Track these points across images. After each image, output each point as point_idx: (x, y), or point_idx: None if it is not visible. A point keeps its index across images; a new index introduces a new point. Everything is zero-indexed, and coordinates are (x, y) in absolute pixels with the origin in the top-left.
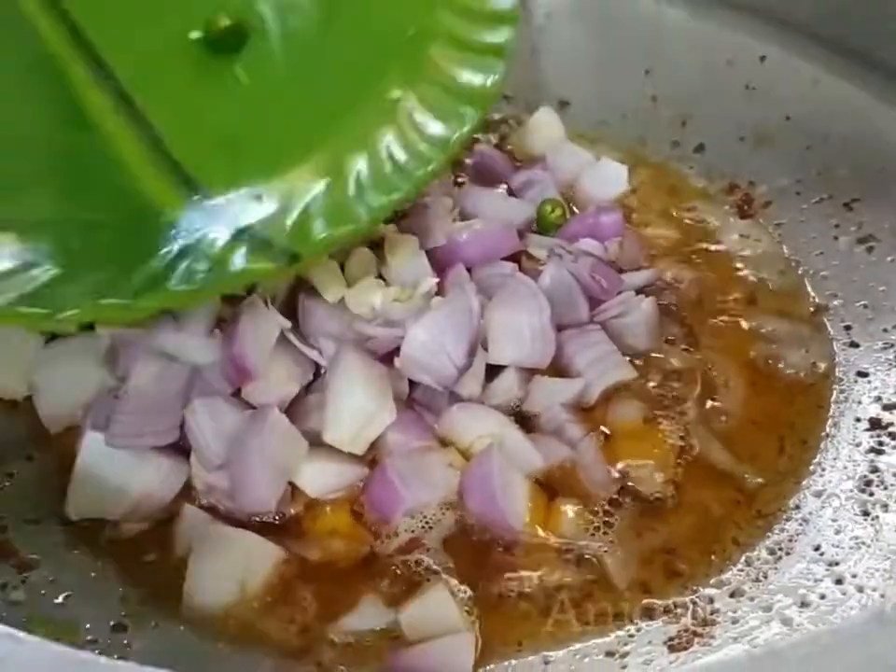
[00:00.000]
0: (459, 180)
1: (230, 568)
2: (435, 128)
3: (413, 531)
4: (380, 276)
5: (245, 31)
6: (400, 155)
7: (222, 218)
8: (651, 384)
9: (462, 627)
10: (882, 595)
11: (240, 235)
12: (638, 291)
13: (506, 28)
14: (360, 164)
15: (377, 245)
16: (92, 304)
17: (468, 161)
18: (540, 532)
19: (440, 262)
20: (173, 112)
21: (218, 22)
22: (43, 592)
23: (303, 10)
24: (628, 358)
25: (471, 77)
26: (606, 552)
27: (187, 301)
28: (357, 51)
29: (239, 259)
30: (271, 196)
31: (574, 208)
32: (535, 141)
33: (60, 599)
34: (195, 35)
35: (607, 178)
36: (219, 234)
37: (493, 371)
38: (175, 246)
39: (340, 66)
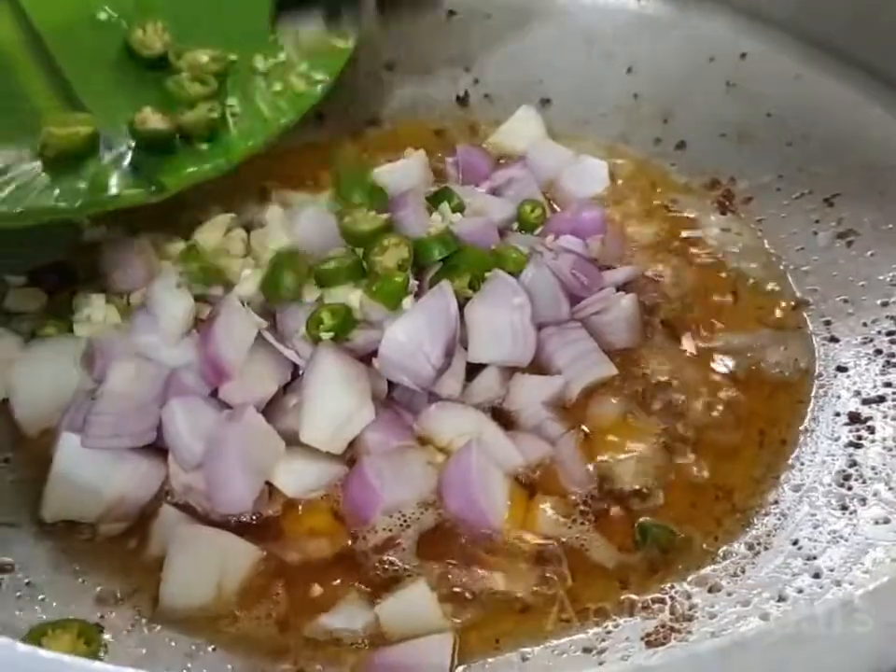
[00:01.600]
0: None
1: (206, 569)
2: (297, 83)
3: (391, 530)
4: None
5: None
6: (263, 105)
7: (102, 144)
8: (631, 381)
9: (440, 622)
10: (858, 588)
11: (117, 161)
12: (619, 288)
13: None
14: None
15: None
16: None
17: (449, 159)
18: (519, 529)
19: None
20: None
21: None
22: (18, 594)
23: None
24: (609, 355)
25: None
26: (583, 548)
27: (66, 215)
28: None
29: (114, 184)
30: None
31: (555, 206)
32: (516, 139)
33: (36, 601)
34: None
35: (587, 175)
36: (98, 158)
37: (473, 369)
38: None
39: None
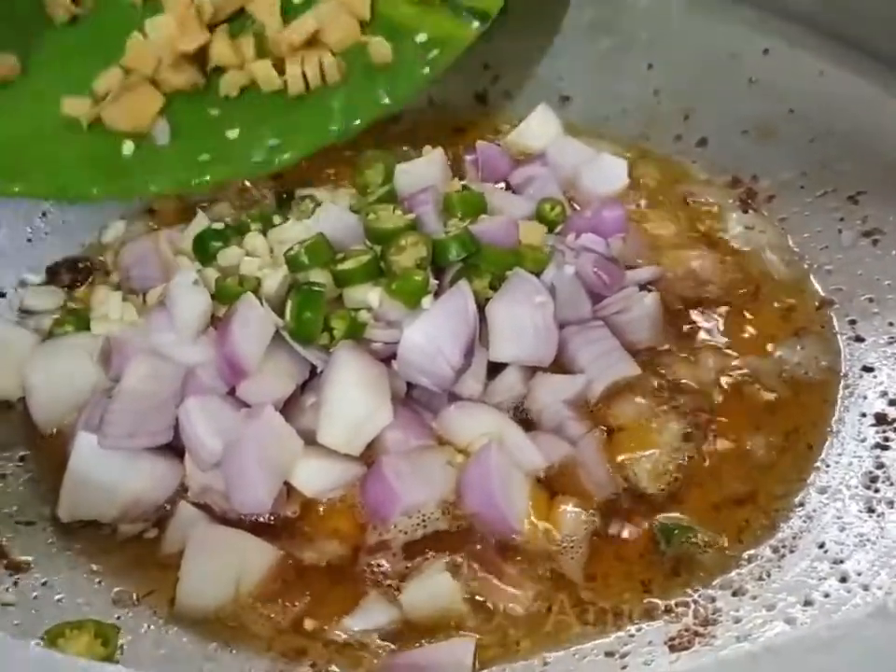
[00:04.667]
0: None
1: (224, 569)
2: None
3: (409, 530)
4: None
5: None
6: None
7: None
8: (654, 380)
9: (461, 603)
10: (888, 594)
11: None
12: (642, 287)
13: None
14: None
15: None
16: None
17: (468, 157)
18: (540, 531)
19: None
20: None
21: None
22: (35, 595)
23: None
24: (631, 355)
25: None
26: (605, 550)
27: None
28: None
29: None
30: None
31: (574, 204)
32: (535, 137)
33: (52, 602)
34: None
35: (607, 173)
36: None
37: (494, 369)
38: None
39: None
